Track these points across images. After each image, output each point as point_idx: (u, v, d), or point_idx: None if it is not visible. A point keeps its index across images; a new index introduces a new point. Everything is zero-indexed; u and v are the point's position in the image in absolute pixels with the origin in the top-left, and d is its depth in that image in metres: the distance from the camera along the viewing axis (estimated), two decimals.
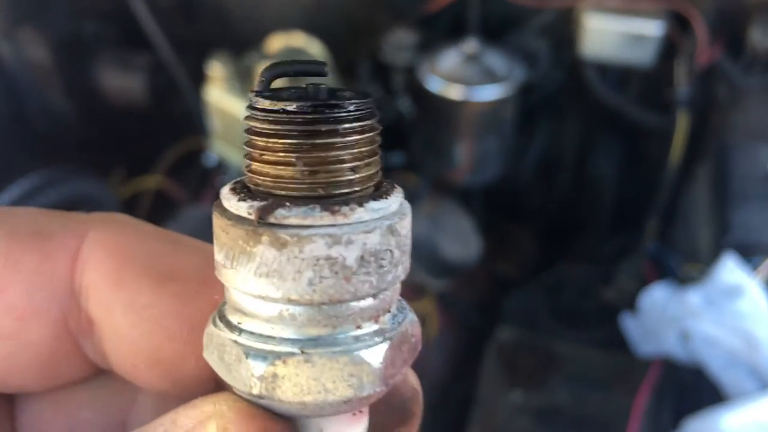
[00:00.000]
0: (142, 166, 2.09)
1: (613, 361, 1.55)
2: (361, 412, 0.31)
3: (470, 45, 1.81)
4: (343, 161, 0.28)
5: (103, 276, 0.35)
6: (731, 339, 1.39)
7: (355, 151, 0.28)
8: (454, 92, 1.78)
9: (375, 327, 0.29)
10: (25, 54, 2.04)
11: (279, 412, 0.29)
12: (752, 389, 1.36)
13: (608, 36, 1.77)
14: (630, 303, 1.61)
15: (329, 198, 0.28)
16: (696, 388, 1.43)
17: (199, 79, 1.89)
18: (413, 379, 0.35)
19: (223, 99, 1.81)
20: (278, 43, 1.95)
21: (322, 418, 0.30)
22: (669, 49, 1.78)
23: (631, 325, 1.59)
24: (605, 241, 2.02)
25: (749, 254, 1.47)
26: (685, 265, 1.63)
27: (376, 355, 0.29)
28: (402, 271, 0.30)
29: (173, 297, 0.35)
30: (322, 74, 0.29)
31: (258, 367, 0.28)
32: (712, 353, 1.41)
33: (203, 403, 0.30)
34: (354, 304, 0.28)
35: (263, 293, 0.28)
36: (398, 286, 0.31)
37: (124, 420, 0.39)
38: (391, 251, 0.28)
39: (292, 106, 0.27)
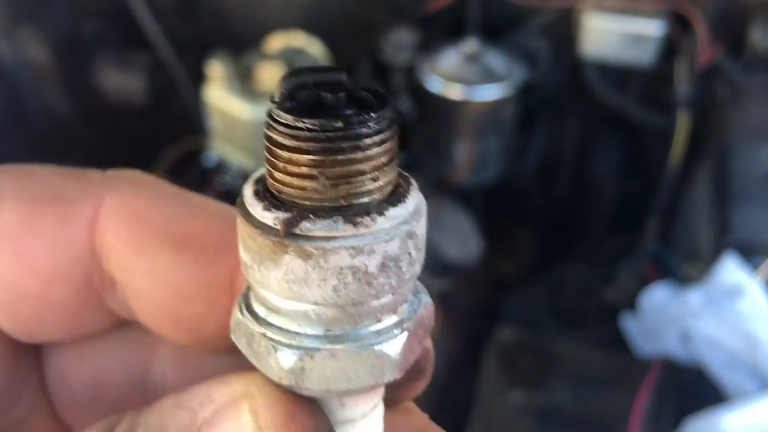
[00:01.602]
0: (142, 166, 2.06)
1: (613, 361, 1.55)
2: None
3: (470, 45, 1.81)
4: (364, 172, 0.29)
5: (122, 242, 0.36)
6: (732, 339, 1.39)
7: (375, 162, 0.29)
8: (454, 92, 1.78)
9: (394, 318, 0.31)
10: (24, 54, 2.04)
11: (305, 394, 0.31)
12: (753, 389, 1.36)
13: (608, 36, 1.77)
14: (630, 303, 1.61)
15: (350, 207, 0.29)
16: (696, 388, 1.43)
17: (198, 78, 1.89)
18: (426, 341, 0.36)
19: (223, 99, 1.80)
20: (278, 43, 1.95)
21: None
22: (669, 49, 1.78)
23: (631, 325, 1.59)
24: (605, 241, 2.02)
25: (750, 254, 1.47)
26: (685, 265, 1.63)
27: (395, 346, 0.31)
28: (419, 266, 0.31)
29: (191, 263, 0.36)
30: (341, 82, 0.29)
31: (287, 361, 0.30)
32: (713, 353, 1.41)
33: (236, 381, 0.31)
34: (375, 302, 0.30)
35: (289, 296, 0.29)
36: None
37: (146, 369, 0.41)
38: (409, 253, 0.30)
39: (313, 125, 0.28)
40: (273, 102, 0.29)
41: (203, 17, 2.15)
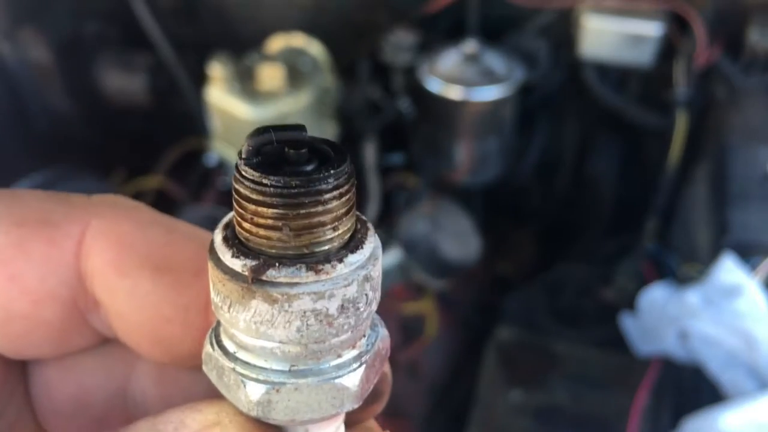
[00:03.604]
0: (143, 166, 2.10)
1: (612, 360, 1.55)
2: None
3: (470, 45, 1.82)
4: (325, 224, 0.31)
5: (106, 264, 0.38)
6: (730, 339, 1.39)
7: (335, 213, 0.31)
8: (454, 92, 1.79)
9: (353, 353, 0.34)
10: (26, 54, 2.05)
11: (272, 423, 0.34)
12: (751, 388, 1.36)
13: (607, 36, 1.77)
14: (629, 303, 1.62)
15: (313, 255, 0.31)
16: (695, 387, 1.43)
17: (199, 79, 1.90)
18: (384, 367, 0.38)
19: (224, 99, 1.81)
20: (278, 43, 1.96)
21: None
22: (668, 50, 1.79)
23: (630, 324, 1.59)
24: (605, 241, 2.03)
25: (748, 254, 1.47)
26: (684, 265, 1.64)
27: (353, 379, 0.33)
28: (375, 304, 0.34)
29: (169, 287, 0.38)
30: (303, 139, 0.32)
31: (255, 394, 0.32)
32: (711, 353, 1.42)
33: (208, 409, 0.34)
34: (335, 340, 0.33)
35: (257, 336, 0.32)
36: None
37: (126, 384, 0.43)
38: (366, 295, 0.33)
39: (278, 182, 0.30)
40: (240, 158, 0.31)
41: (204, 18, 2.16)
